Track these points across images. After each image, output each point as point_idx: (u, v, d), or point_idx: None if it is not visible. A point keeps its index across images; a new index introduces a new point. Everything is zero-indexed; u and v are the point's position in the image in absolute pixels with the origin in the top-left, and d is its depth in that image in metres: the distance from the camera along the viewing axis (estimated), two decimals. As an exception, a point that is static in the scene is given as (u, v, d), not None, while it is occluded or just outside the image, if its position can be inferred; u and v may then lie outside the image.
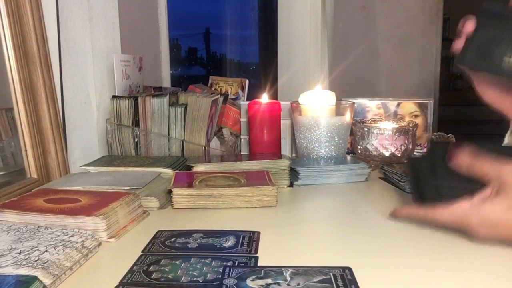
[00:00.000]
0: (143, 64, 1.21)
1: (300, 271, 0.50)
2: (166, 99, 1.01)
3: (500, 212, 0.55)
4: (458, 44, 0.62)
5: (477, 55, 0.61)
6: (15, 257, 0.50)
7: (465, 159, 0.58)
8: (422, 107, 1.17)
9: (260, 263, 0.53)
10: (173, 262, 0.54)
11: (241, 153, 1.15)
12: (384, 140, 1.00)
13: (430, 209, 0.61)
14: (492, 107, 0.65)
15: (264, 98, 1.05)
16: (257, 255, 0.56)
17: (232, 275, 0.49)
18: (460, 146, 0.60)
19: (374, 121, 1.07)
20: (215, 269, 0.51)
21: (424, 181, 0.64)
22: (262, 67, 2.46)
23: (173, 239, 0.61)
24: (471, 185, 0.58)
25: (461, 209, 0.57)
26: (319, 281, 0.48)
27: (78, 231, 0.58)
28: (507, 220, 0.55)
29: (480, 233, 0.57)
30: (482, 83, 0.65)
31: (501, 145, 0.67)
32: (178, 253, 0.57)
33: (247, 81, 1.41)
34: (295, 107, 1.04)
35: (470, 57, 0.61)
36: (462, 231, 0.58)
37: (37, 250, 0.52)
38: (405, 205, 0.69)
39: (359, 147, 1.04)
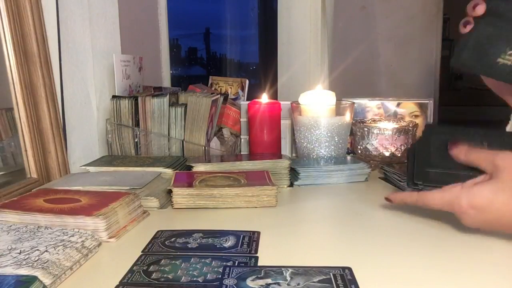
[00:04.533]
0: (143, 64, 1.21)
1: (300, 271, 0.50)
2: (166, 99, 1.01)
3: (489, 194, 0.55)
4: (465, 29, 0.62)
5: (472, 54, 0.61)
6: (15, 257, 0.50)
7: (463, 149, 0.61)
8: (422, 107, 1.17)
9: (260, 263, 0.53)
10: (173, 262, 0.54)
11: (241, 153, 1.15)
12: (384, 140, 1.00)
13: (422, 193, 0.62)
14: (494, 93, 0.66)
15: (264, 98, 1.05)
16: (257, 255, 0.56)
17: (232, 275, 0.49)
18: (459, 139, 0.62)
19: (374, 121, 1.07)
20: (215, 269, 0.51)
21: (418, 166, 0.66)
22: (262, 67, 2.46)
23: (173, 239, 0.61)
24: (464, 172, 0.60)
25: (452, 192, 0.58)
26: (319, 281, 0.48)
27: (78, 231, 0.58)
28: (495, 202, 0.55)
29: (469, 216, 0.57)
30: None
31: (494, 131, 0.68)
32: (178, 253, 0.57)
33: (247, 81, 1.41)
34: (295, 107, 1.04)
35: (466, 57, 0.62)
36: (452, 214, 0.59)
37: (37, 250, 0.52)
38: (399, 191, 0.70)
39: (359, 147, 1.04)
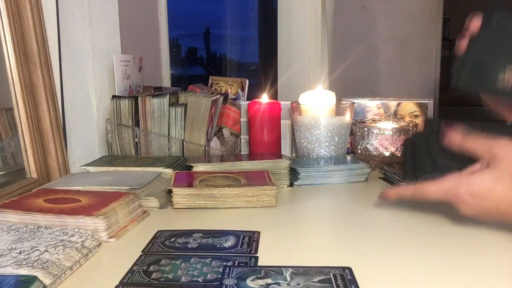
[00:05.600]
0: (143, 64, 1.21)
1: (300, 271, 0.50)
2: (166, 99, 1.01)
3: (488, 183, 0.55)
4: (463, 44, 0.61)
5: (472, 74, 0.60)
6: (15, 257, 0.50)
7: (457, 137, 0.59)
8: (422, 107, 1.17)
9: (260, 263, 0.53)
10: (173, 262, 0.54)
11: (241, 153, 1.15)
12: (384, 140, 1.00)
13: (419, 185, 0.61)
14: (490, 109, 0.65)
15: (264, 98, 1.05)
16: (257, 255, 0.56)
17: (232, 275, 0.49)
18: (452, 125, 0.60)
19: (374, 121, 1.07)
20: (215, 269, 0.51)
21: (418, 160, 0.64)
22: (262, 67, 2.46)
23: (173, 239, 0.61)
24: (464, 166, 0.58)
25: (450, 181, 0.57)
26: (319, 281, 0.48)
27: (78, 231, 0.58)
28: (493, 191, 0.55)
29: (467, 204, 0.56)
30: None
31: (493, 123, 0.66)
32: (178, 253, 0.57)
33: (247, 81, 1.41)
34: (295, 107, 1.04)
35: (466, 78, 0.61)
36: (450, 203, 0.58)
37: (37, 250, 0.52)
38: (393, 187, 0.69)
39: (359, 147, 1.04)
